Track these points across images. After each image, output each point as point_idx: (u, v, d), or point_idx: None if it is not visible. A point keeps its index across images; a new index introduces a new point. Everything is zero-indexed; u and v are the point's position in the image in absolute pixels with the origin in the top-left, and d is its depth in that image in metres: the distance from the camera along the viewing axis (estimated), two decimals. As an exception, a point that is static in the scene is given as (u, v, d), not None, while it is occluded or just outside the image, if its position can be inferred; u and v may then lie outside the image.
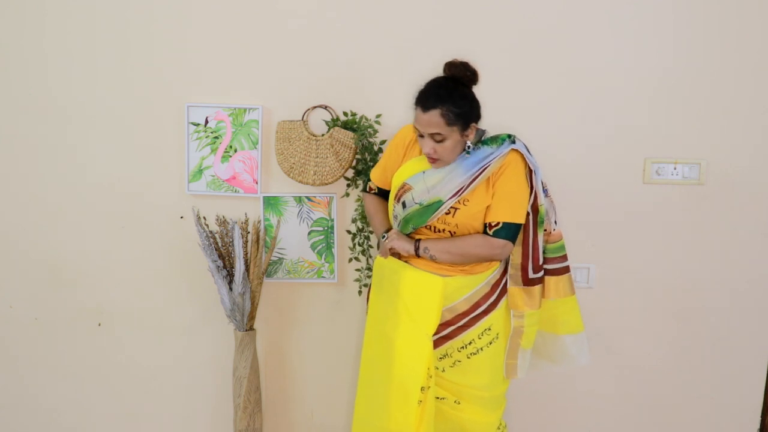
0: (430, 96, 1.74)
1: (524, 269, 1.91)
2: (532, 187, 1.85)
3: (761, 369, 2.31)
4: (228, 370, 2.29)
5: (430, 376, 1.81)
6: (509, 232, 1.82)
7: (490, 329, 1.90)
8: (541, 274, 1.94)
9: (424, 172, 1.85)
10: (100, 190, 2.24)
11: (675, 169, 2.17)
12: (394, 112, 2.13)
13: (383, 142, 2.13)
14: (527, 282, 1.91)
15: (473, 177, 1.79)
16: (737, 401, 2.33)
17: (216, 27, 2.13)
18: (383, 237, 1.96)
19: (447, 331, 1.89)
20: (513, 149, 1.81)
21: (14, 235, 2.29)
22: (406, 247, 1.86)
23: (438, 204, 1.82)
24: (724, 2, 2.07)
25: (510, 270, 1.93)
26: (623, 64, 2.11)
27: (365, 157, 2.11)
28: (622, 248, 2.23)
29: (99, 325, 2.34)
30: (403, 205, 1.88)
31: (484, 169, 1.79)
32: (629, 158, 2.17)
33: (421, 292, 1.86)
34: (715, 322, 2.27)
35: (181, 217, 2.24)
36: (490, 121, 1.94)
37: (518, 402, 2.27)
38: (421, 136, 1.78)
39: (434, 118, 1.72)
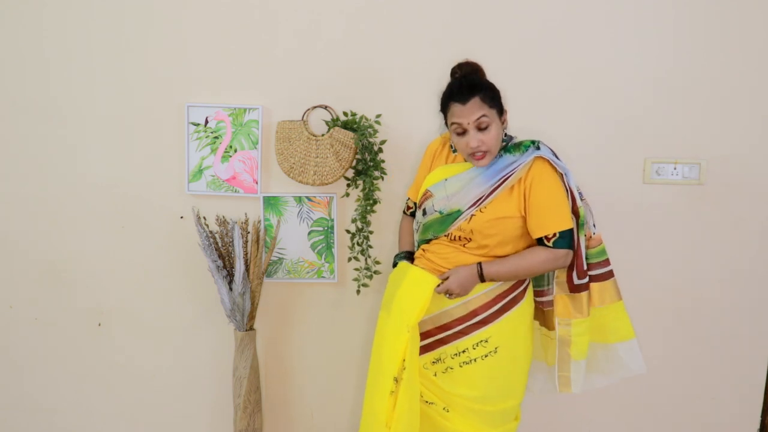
0: (463, 89, 1.77)
1: (569, 275, 1.88)
2: (568, 189, 1.84)
3: (761, 369, 2.31)
4: (228, 370, 2.29)
5: (404, 369, 1.79)
6: (568, 239, 1.82)
7: (487, 341, 1.85)
8: (586, 279, 1.89)
9: (446, 180, 1.87)
10: (100, 190, 2.24)
11: (675, 169, 2.17)
12: (395, 112, 2.13)
13: (383, 142, 2.13)
14: (573, 289, 1.89)
15: (494, 186, 1.80)
16: (737, 401, 2.33)
17: (216, 27, 2.13)
18: (397, 256, 2.04)
19: (442, 335, 1.87)
20: (537, 157, 1.81)
21: (14, 235, 2.29)
22: (472, 283, 1.82)
23: (457, 214, 1.83)
24: (724, 3, 2.07)
25: (556, 278, 1.90)
26: (623, 65, 2.11)
27: (365, 157, 2.11)
28: (622, 248, 2.22)
29: (99, 325, 2.34)
30: (424, 212, 1.90)
31: (506, 178, 1.79)
32: (629, 158, 2.17)
33: (415, 287, 1.86)
34: (715, 322, 2.27)
35: (181, 217, 2.24)
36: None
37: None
38: (462, 132, 1.78)
39: (475, 104, 1.75)
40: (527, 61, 2.11)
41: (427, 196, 1.90)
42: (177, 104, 2.17)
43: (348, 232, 2.21)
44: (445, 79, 2.11)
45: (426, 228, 1.90)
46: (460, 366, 1.86)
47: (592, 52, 2.11)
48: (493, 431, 1.89)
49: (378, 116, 2.12)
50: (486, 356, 1.85)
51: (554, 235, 1.80)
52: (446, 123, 1.85)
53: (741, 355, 2.29)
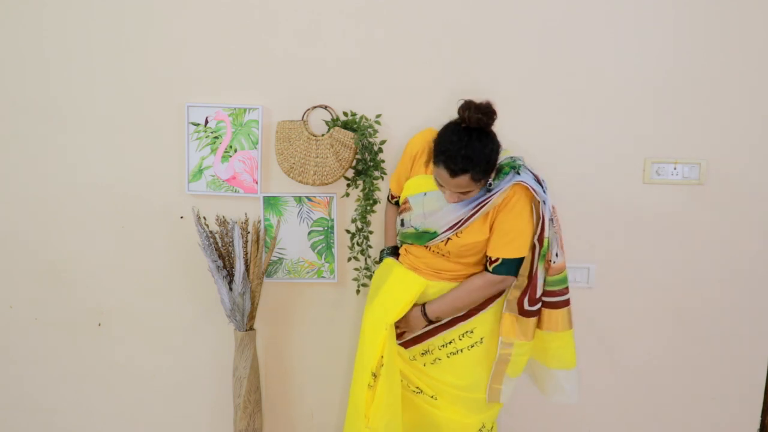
0: (456, 160, 1.63)
1: (520, 299, 1.85)
2: (539, 217, 1.79)
3: (761, 369, 2.31)
4: (228, 370, 2.29)
5: (382, 365, 1.81)
6: (509, 267, 1.81)
7: (472, 332, 1.90)
8: (537, 306, 1.86)
9: (425, 194, 1.85)
10: (100, 190, 2.24)
11: (675, 169, 2.17)
12: (395, 112, 2.13)
13: (383, 142, 2.13)
14: (522, 312, 1.86)
15: (471, 212, 1.77)
16: (737, 401, 2.33)
17: (216, 27, 2.12)
18: (383, 251, 2.07)
19: (428, 327, 1.92)
20: (516, 183, 1.75)
21: (14, 235, 2.28)
22: (419, 324, 1.89)
23: (433, 234, 1.83)
24: (724, 3, 2.07)
25: (508, 296, 1.87)
26: (624, 65, 2.11)
27: (365, 157, 2.11)
28: (622, 248, 2.23)
29: (99, 325, 2.34)
30: (402, 222, 1.92)
31: (484, 204, 1.76)
32: (629, 158, 2.17)
33: (400, 285, 1.89)
34: (715, 322, 2.27)
35: (181, 217, 2.24)
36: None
37: (516, 401, 2.27)
38: (443, 185, 1.72)
39: (463, 181, 1.66)
40: (527, 61, 2.11)
41: (405, 207, 1.89)
42: (177, 104, 2.17)
43: (348, 232, 2.21)
44: (444, 79, 2.12)
45: (404, 236, 1.92)
46: (448, 357, 1.92)
47: (592, 52, 2.11)
48: (478, 416, 1.93)
49: (378, 116, 2.12)
50: (472, 347, 1.90)
51: (497, 260, 1.80)
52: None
53: (741, 355, 2.29)
